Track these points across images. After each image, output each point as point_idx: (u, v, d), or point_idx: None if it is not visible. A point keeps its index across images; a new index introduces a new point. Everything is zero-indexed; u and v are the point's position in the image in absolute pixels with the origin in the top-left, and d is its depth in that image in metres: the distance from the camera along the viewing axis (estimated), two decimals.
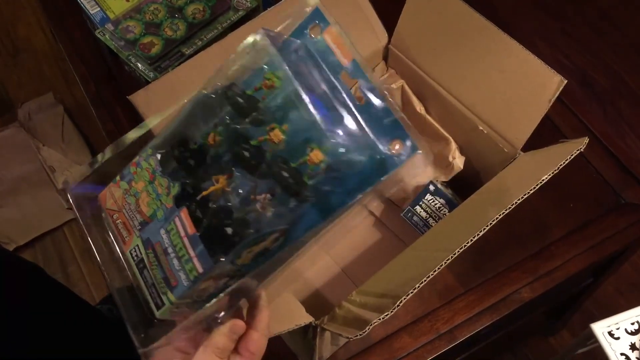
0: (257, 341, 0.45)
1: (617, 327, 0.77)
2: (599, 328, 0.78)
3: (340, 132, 0.38)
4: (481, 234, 0.54)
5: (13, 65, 1.74)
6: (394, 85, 0.77)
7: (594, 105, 1.51)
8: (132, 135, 0.47)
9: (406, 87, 0.77)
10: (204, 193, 0.41)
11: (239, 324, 0.44)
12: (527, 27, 1.68)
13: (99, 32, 0.93)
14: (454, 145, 0.76)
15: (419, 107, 0.77)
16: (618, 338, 0.77)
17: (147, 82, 0.87)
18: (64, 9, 1.04)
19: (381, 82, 0.79)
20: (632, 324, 0.78)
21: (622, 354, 0.76)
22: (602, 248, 0.77)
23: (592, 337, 0.79)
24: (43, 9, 1.07)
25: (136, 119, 0.90)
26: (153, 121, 0.47)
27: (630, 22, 1.69)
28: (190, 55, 0.88)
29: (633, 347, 0.77)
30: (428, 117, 0.77)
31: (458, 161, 0.76)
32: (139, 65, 0.87)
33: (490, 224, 0.54)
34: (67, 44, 1.00)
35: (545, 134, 0.67)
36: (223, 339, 0.43)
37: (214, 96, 0.42)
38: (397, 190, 0.80)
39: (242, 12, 0.91)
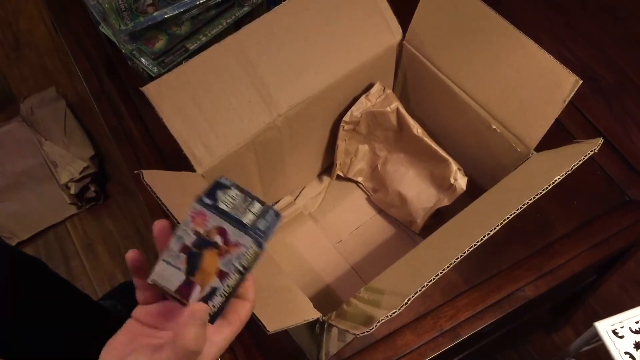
0: (249, 310, 0.45)
1: (622, 325, 0.77)
2: (603, 327, 0.78)
3: None
4: (492, 233, 0.54)
5: (15, 59, 1.74)
6: (388, 109, 0.76)
7: (599, 100, 1.51)
8: None
9: (401, 110, 0.76)
10: None
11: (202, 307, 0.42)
12: (531, 20, 1.67)
13: (102, 26, 0.92)
14: (454, 167, 0.75)
15: (416, 129, 0.76)
16: (622, 337, 0.77)
17: (151, 77, 0.87)
18: (66, 2, 1.03)
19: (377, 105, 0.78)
20: (637, 322, 0.78)
21: (626, 353, 0.76)
22: (606, 246, 0.76)
23: (596, 335, 0.79)
24: (45, 2, 1.07)
25: (139, 114, 0.90)
26: None
27: (634, 16, 1.68)
28: (195, 51, 0.88)
29: (637, 345, 0.76)
30: (425, 138, 0.76)
31: (460, 182, 0.75)
32: (143, 60, 0.87)
33: (501, 223, 0.54)
34: (70, 38, 1.00)
35: (548, 130, 0.67)
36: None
37: None
38: (404, 214, 0.80)
39: (247, 7, 0.90)
